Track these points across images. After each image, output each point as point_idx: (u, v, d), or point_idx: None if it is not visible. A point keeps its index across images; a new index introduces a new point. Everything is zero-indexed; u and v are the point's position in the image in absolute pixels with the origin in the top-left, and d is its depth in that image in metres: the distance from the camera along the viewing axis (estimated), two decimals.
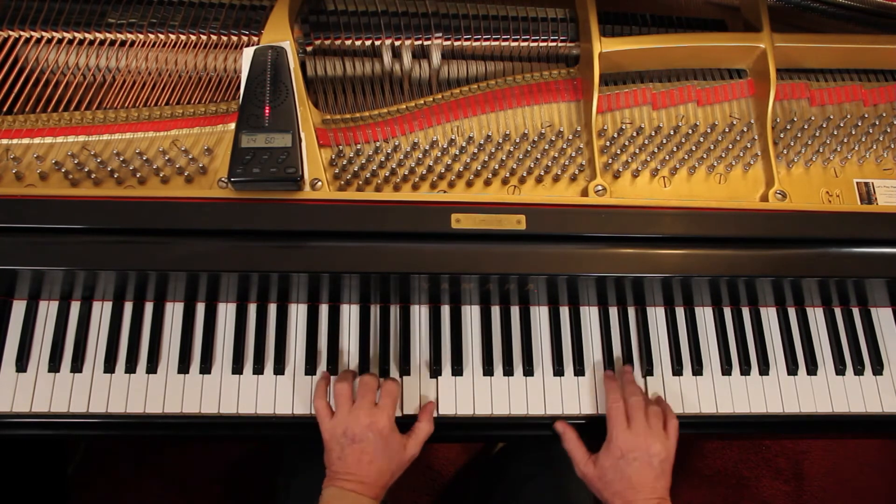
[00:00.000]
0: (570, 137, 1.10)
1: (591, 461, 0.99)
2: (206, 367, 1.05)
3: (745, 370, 1.11)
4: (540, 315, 1.12)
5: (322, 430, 0.97)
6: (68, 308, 1.06)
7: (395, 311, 1.11)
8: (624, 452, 0.96)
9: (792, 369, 1.12)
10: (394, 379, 1.02)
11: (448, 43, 1.12)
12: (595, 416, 1.07)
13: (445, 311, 1.11)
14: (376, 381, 1.00)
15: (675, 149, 1.11)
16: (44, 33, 1.07)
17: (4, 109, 1.05)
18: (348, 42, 1.11)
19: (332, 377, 1.04)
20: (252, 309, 1.09)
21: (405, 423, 1.00)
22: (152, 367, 1.04)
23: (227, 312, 1.09)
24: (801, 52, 1.14)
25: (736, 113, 1.14)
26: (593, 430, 1.06)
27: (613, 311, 1.13)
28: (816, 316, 1.16)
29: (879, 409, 1.11)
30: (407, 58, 1.12)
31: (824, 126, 1.15)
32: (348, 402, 0.97)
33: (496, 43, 1.13)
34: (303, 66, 1.10)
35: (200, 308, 1.08)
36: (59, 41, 1.07)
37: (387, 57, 1.11)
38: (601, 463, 0.98)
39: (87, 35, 1.07)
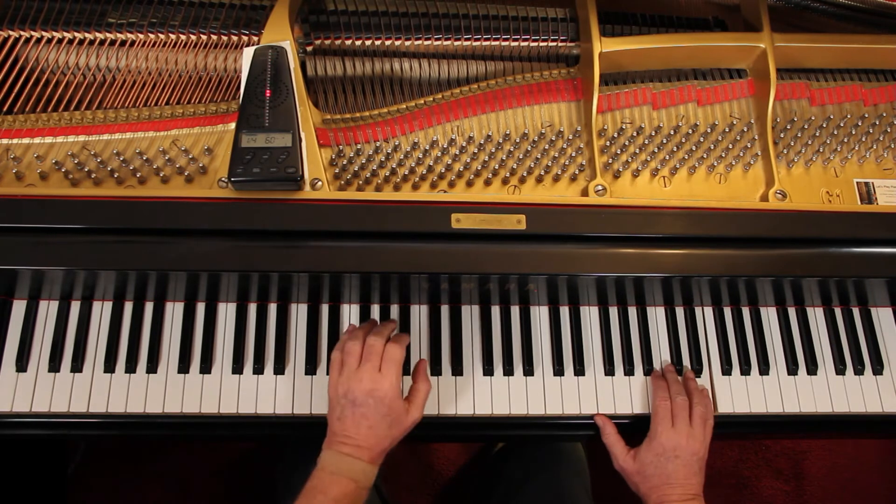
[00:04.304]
0: (570, 137, 1.10)
1: (631, 456, 1.01)
2: (206, 367, 1.05)
3: (745, 370, 1.11)
4: (540, 315, 1.12)
5: (328, 385, 0.97)
6: (68, 308, 1.06)
7: (395, 310, 1.11)
8: (666, 450, 0.98)
9: (792, 369, 1.12)
10: (398, 342, 0.98)
11: (448, 43, 1.12)
12: (595, 415, 1.07)
13: (445, 310, 1.11)
14: (382, 345, 0.97)
15: (675, 149, 1.11)
16: (44, 33, 1.07)
17: (4, 109, 1.05)
18: (348, 42, 1.11)
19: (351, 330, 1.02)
20: (252, 309, 1.09)
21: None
22: (152, 367, 1.04)
23: (227, 312, 1.09)
24: (801, 52, 1.14)
25: (736, 113, 1.14)
26: (594, 429, 1.07)
27: (613, 311, 1.13)
28: (816, 316, 1.16)
29: (879, 408, 1.11)
30: (407, 60, 1.12)
31: (824, 126, 1.15)
32: (355, 362, 0.96)
33: (496, 43, 1.13)
34: (303, 66, 1.10)
35: (200, 308, 1.08)
36: (59, 41, 1.07)
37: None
38: (642, 458, 1.00)
39: (87, 35, 1.07)
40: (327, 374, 1.06)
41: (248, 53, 1.04)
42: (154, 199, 0.98)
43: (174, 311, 1.08)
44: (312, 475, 0.91)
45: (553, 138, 1.10)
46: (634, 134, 1.11)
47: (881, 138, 1.15)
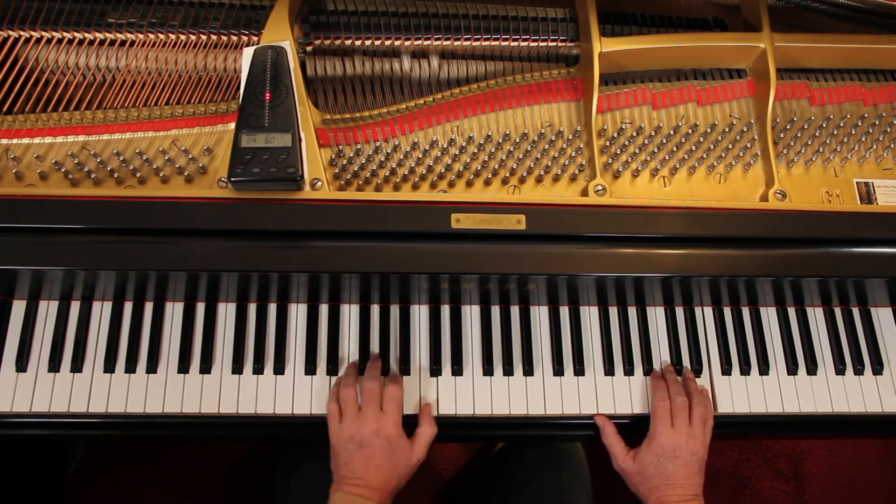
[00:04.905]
0: (570, 137, 1.10)
1: (631, 456, 1.01)
2: (205, 367, 1.05)
3: (745, 370, 1.11)
4: (540, 315, 1.12)
5: (330, 435, 0.97)
6: (68, 308, 1.06)
7: (395, 310, 1.11)
8: (666, 450, 0.98)
9: (792, 369, 1.12)
10: (395, 382, 1.01)
11: (448, 43, 1.12)
12: (595, 416, 1.07)
13: (445, 310, 1.11)
14: (379, 386, 0.99)
15: (675, 149, 1.11)
16: (44, 33, 1.07)
17: (4, 109, 1.05)
18: (348, 42, 1.11)
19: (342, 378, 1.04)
20: (252, 309, 1.09)
21: (406, 424, 1.00)
22: (152, 367, 1.04)
23: (227, 312, 1.08)
24: (801, 52, 1.14)
25: (736, 113, 1.14)
26: (594, 429, 1.07)
27: (613, 311, 1.13)
28: (816, 316, 1.16)
29: (879, 408, 1.11)
30: (407, 60, 1.12)
31: (824, 126, 1.15)
32: (355, 406, 0.97)
33: (496, 43, 1.13)
34: (303, 66, 1.10)
35: (200, 308, 1.08)
36: (59, 41, 1.07)
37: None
38: (641, 458, 1.00)
39: (87, 35, 1.07)
40: (327, 374, 1.06)
41: (247, 53, 1.04)
42: (154, 199, 0.98)
43: (174, 311, 1.08)
44: None
45: (553, 138, 1.10)
46: (634, 134, 1.11)
47: (881, 138, 1.15)
